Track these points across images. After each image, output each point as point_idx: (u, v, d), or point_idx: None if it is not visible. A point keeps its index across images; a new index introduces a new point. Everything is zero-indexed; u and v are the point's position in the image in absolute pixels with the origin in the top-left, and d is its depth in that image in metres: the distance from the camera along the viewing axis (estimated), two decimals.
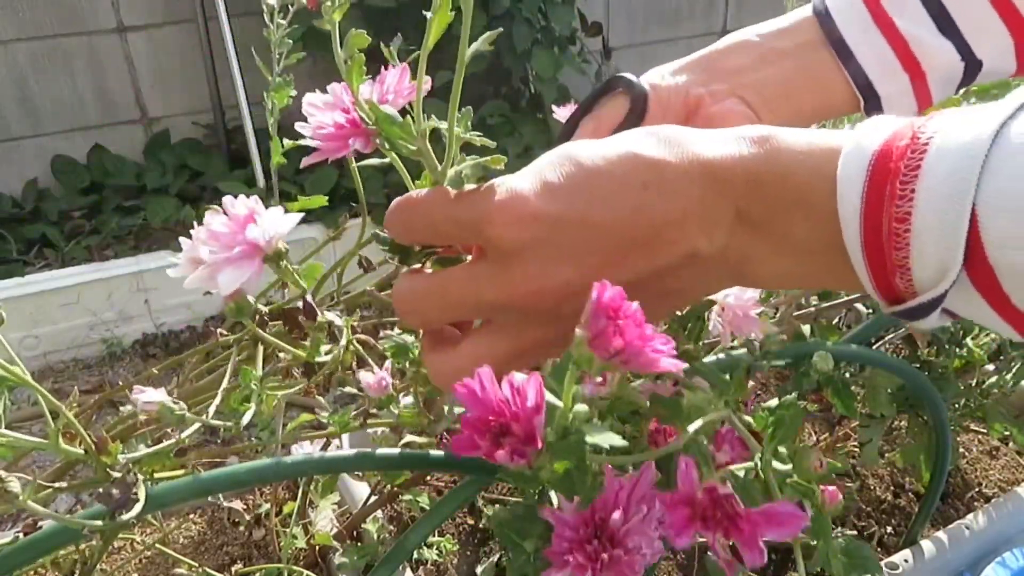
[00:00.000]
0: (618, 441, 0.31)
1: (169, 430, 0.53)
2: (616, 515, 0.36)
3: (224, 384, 0.52)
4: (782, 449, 0.41)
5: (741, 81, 0.50)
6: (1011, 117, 0.28)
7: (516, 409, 0.30)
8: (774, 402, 0.41)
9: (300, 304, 0.49)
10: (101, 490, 0.39)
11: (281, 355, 0.52)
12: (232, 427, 0.49)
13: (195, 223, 0.40)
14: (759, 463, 0.40)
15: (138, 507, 0.39)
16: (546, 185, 0.33)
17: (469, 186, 0.36)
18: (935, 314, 0.29)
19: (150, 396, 0.46)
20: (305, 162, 0.41)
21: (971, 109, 0.29)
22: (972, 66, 0.50)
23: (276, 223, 0.39)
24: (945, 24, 0.49)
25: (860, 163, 0.29)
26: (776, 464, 0.40)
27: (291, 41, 0.82)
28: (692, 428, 0.38)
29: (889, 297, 0.31)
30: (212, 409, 0.48)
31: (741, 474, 0.40)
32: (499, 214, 0.33)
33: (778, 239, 0.32)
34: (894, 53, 0.50)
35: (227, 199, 0.39)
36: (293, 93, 0.80)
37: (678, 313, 0.53)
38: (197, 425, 0.47)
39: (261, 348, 0.56)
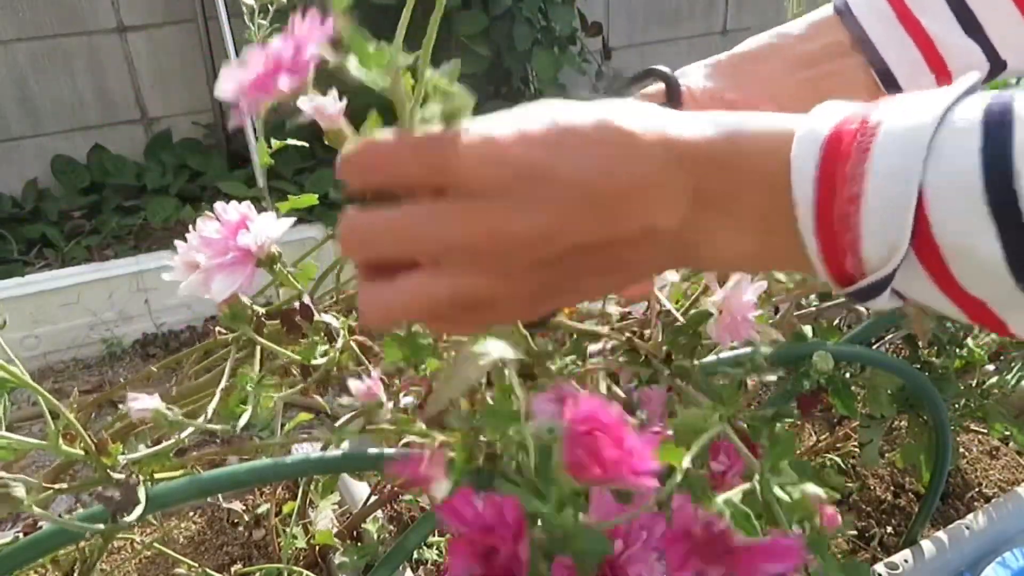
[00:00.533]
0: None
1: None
2: (617, 543, 0.36)
3: (222, 383, 0.52)
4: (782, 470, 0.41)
5: (774, 88, 0.51)
6: (956, 102, 0.28)
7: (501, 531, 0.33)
8: (769, 412, 0.41)
9: (297, 305, 0.49)
10: (101, 491, 0.39)
11: (280, 355, 0.52)
12: (228, 429, 0.49)
13: (195, 223, 0.40)
14: (758, 485, 0.40)
15: (138, 508, 0.39)
16: (519, 133, 0.33)
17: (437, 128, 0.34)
18: (885, 294, 0.30)
19: (144, 403, 0.44)
20: (231, 125, 0.36)
21: (920, 95, 0.30)
22: (996, 67, 0.50)
23: (268, 228, 0.39)
24: (971, 25, 0.49)
25: (813, 146, 0.30)
26: (777, 491, 0.40)
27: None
28: (687, 459, 0.37)
29: (840, 278, 0.31)
30: (210, 410, 0.48)
31: (739, 498, 0.40)
32: (470, 154, 0.32)
33: (734, 219, 0.33)
34: (921, 54, 0.50)
35: (219, 205, 0.39)
36: None
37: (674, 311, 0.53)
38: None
39: (259, 348, 0.56)
